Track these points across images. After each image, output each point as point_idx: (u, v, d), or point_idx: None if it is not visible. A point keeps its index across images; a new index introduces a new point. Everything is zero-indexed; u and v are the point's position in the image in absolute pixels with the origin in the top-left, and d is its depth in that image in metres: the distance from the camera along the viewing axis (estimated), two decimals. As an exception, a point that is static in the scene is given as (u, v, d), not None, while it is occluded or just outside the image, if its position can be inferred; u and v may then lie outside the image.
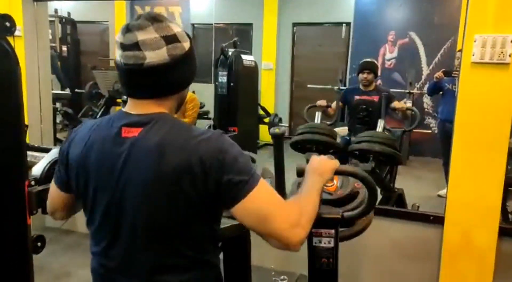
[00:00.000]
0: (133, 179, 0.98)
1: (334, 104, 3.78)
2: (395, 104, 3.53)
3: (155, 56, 0.98)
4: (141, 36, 0.98)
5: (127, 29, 1.00)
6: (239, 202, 0.96)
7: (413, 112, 3.79)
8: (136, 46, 0.98)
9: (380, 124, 3.27)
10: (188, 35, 1.06)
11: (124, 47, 1.00)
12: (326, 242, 1.40)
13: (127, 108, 1.06)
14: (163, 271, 1.02)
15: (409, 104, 5.18)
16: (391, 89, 4.07)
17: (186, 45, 1.04)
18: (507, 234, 2.27)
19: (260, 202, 0.97)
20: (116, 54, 1.03)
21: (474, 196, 2.21)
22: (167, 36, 1.00)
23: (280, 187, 1.48)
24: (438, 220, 2.40)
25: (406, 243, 2.57)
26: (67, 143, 1.10)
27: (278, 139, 1.45)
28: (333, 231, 1.39)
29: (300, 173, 1.27)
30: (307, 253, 1.44)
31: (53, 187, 1.18)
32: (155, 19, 1.01)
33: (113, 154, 1.00)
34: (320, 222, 1.33)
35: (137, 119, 1.02)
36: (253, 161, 1.60)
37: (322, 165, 1.22)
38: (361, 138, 2.81)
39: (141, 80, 1.01)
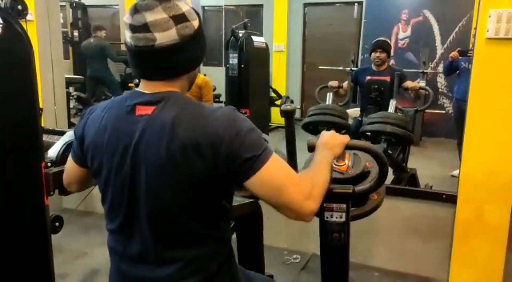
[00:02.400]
0: (146, 156, 1.00)
1: (345, 84, 3.75)
2: (408, 83, 3.47)
3: (165, 37, 0.98)
4: (149, 17, 0.98)
5: (135, 10, 0.99)
6: (253, 176, 0.97)
7: (426, 92, 3.74)
8: (145, 27, 0.98)
9: (392, 104, 3.23)
10: (196, 12, 1.06)
11: (133, 28, 0.99)
12: (337, 217, 1.41)
13: (140, 88, 1.07)
14: (174, 246, 1.04)
15: (422, 84, 5.11)
16: (405, 69, 4.00)
17: (195, 23, 1.03)
18: (521, 212, 2.26)
19: (273, 174, 0.99)
20: (126, 36, 1.03)
21: (487, 174, 2.19)
22: (176, 16, 0.99)
23: (292, 163, 1.49)
24: (450, 199, 2.40)
25: (419, 221, 2.58)
26: (82, 121, 1.12)
27: (289, 116, 1.45)
28: (344, 206, 1.40)
29: (311, 148, 1.28)
30: (319, 228, 1.46)
31: (69, 161, 1.22)
32: None
33: (127, 132, 1.02)
34: (331, 197, 1.36)
35: (150, 98, 1.03)
36: (265, 141, 1.61)
37: (332, 139, 1.24)
38: (373, 119, 2.79)
39: (152, 61, 1.01)
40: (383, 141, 2.73)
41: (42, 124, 2.07)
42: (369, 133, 2.83)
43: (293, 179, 1.01)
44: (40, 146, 1.79)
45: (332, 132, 1.28)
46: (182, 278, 1.04)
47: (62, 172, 1.66)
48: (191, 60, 1.06)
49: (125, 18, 1.02)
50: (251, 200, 1.68)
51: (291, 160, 1.52)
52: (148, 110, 1.01)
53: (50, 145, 2.01)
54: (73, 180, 1.25)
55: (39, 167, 1.76)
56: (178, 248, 1.04)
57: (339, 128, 2.86)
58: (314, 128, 2.96)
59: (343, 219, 1.41)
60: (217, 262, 1.07)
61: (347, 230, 1.44)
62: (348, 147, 1.29)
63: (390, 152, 2.82)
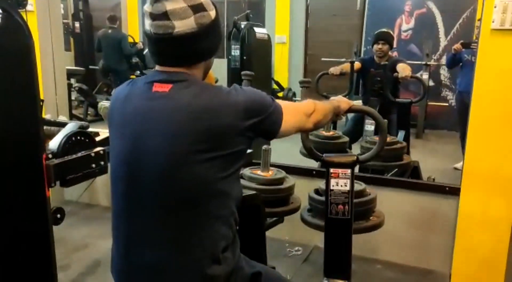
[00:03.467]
0: (160, 133, 1.03)
1: (346, 67, 3.68)
2: (400, 70, 3.25)
3: (184, 25, 1.02)
4: (169, 5, 1.02)
5: None
6: (279, 130, 1.15)
7: (420, 82, 3.66)
8: (165, 15, 1.02)
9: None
10: (213, 3, 1.10)
11: (153, 16, 1.03)
12: (342, 184, 1.54)
13: (158, 68, 1.12)
14: (183, 228, 1.05)
15: (425, 76, 5.08)
16: (408, 62, 3.96)
17: (212, 13, 1.08)
18: (524, 205, 2.24)
19: (290, 119, 1.18)
20: (145, 24, 1.07)
21: (491, 166, 2.17)
22: (194, 5, 1.04)
23: None
24: (453, 191, 2.39)
25: (421, 214, 2.57)
26: (112, 101, 1.18)
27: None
28: (349, 171, 1.55)
29: None
30: (325, 200, 1.59)
31: None
32: None
33: (144, 107, 1.06)
34: (337, 164, 1.55)
35: (168, 76, 1.07)
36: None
37: (340, 97, 1.53)
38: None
39: (171, 49, 1.06)
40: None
41: (43, 116, 2.06)
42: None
43: (302, 112, 1.25)
44: (41, 138, 1.78)
45: (340, 97, 1.54)
46: (185, 261, 1.05)
47: (63, 163, 1.66)
48: (208, 49, 1.11)
49: (145, 6, 1.06)
50: (253, 192, 1.69)
51: None
52: (165, 87, 1.05)
53: (51, 136, 2.00)
54: None
55: (40, 158, 1.75)
56: (183, 230, 1.05)
57: None
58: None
59: (348, 187, 1.53)
60: (221, 247, 1.08)
61: (351, 202, 1.55)
62: (351, 110, 1.53)
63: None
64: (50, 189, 1.78)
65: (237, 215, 1.15)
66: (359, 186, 1.93)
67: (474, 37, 4.01)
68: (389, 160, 2.75)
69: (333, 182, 1.54)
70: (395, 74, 3.29)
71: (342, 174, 1.54)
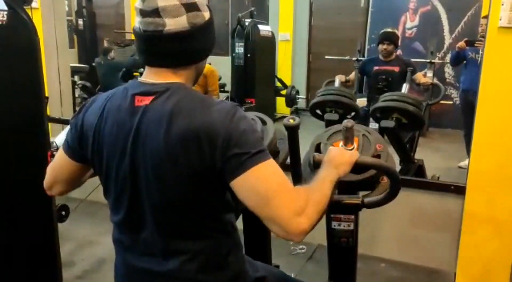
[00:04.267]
0: (144, 148, 0.98)
1: (352, 76, 3.71)
2: (419, 77, 3.43)
3: (175, 23, 0.97)
4: (161, 2, 0.96)
5: None
6: (239, 176, 0.90)
7: (438, 87, 3.68)
8: (156, 12, 0.96)
9: (405, 88, 3.17)
10: (208, 6, 1.04)
11: (143, 13, 0.98)
12: (345, 226, 1.37)
13: (143, 78, 1.05)
14: (179, 239, 1.03)
15: (430, 74, 5.06)
16: (412, 59, 3.95)
17: (206, 15, 1.02)
18: (530, 204, 2.23)
19: (263, 179, 0.91)
20: (135, 21, 1.01)
21: (497, 165, 2.16)
22: (188, 4, 0.98)
23: (296, 176, 1.44)
24: (459, 190, 2.38)
25: (426, 213, 2.56)
26: (82, 112, 1.09)
27: (292, 130, 1.37)
28: (352, 217, 1.36)
29: (318, 164, 1.16)
30: (326, 232, 1.42)
31: (60, 156, 1.15)
32: None
33: (126, 123, 1.00)
34: (339, 208, 1.32)
35: (150, 88, 1.00)
36: (264, 122, 1.55)
37: (340, 156, 1.11)
38: (387, 97, 2.72)
39: (160, 47, 0.99)
40: (393, 120, 2.64)
41: (48, 113, 2.06)
42: (379, 114, 2.73)
43: (285, 191, 0.91)
44: (46, 134, 1.79)
45: (340, 148, 1.22)
46: (188, 271, 1.03)
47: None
48: (199, 51, 1.04)
49: (136, 3, 1.00)
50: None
51: (295, 172, 1.46)
52: (146, 100, 0.99)
53: (55, 133, 2.01)
54: (59, 178, 1.17)
55: (45, 155, 1.75)
56: (183, 240, 1.03)
57: (347, 109, 2.79)
58: (321, 110, 2.87)
59: (352, 227, 1.37)
60: (223, 254, 1.06)
61: (355, 235, 1.41)
62: (358, 164, 1.15)
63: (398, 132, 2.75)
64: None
65: (234, 220, 1.11)
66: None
67: (479, 35, 3.98)
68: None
69: (334, 223, 1.37)
70: (414, 77, 3.37)
71: (344, 218, 1.36)
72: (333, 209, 1.09)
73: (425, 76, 3.57)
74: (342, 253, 1.48)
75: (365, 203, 1.31)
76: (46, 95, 1.96)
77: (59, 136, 1.91)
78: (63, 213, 1.98)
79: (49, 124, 2.04)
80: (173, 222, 1.02)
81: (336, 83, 3.42)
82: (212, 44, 1.07)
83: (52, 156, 1.79)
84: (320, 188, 1.00)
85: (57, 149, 1.86)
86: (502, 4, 2.01)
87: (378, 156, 1.40)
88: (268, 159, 0.93)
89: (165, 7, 0.96)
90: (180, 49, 1.00)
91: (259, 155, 0.92)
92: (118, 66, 5.90)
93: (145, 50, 1.02)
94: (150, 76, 1.03)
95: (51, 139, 1.99)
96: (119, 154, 1.01)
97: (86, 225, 3.05)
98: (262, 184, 0.91)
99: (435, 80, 4.59)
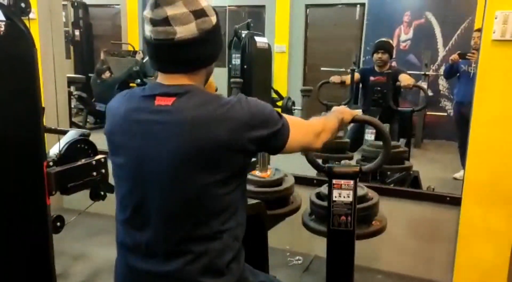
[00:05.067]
0: (162, 148, 1.00)
1: (347, 79, 3.72)
2: (402, 79, 3.40)
3: (185, 30, 1.00)
4: (170, 11, 0.99)
5: (156, 4, 1.01)
6: (285, 146, 1.11)
7: (421, 90, 3.71)
8: (166, 21, 0.99)
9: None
10: (214, 9, 1.08)
11: (154, 22, 1.01)
12: (345, 195, 1.52)
13: (160, 80, 1.08)
14: (184, 240, 1.04)
15: (424, 86, 5.10)
16: (407, 72, 3.99)
17: (214, 19, 1.06)
18: (526, 215, 2.24)
19: (298, 137, 1.14)
20: (145, 30, 1.04)
21: (493, 176, 2.18)
22: (196, 11, 1.02)
23: None
24: (454, 201, 2.38)
25: (422, 224, 2.56)
26: (110, 117, 1.13)
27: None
28: (352, 182, 1.52)
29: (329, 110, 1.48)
30: (326, 212, 1.57)
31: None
32: None
33: (145, 122, 1.03)
34: (340, 175, 1.53)
35: (170, 89, 1.04)
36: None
37: (343, 108, 1.47)
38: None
39: (172, 55, 1.03)
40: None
41: (44, 123, 2.05)
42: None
43: (311, 131, 1.23)
44: (42, 145, 1.77)
45: (345, 107, 1.50)
46: (190, 272, 1.03)
47: (64, 171, 1.65)
48: (209, 55, 1.09)
49: (145, 12, 1.03)
50: (256, 201, 1.68)
51: None
52: (168, 101, 1.02)
53: (51, 144, 2.00)
54: None
55: (41, 166, 1.74)
56: (188, 242, 1.04)
57: None
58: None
59: (351, 198, 1.51)
60: (226, 258, 1.07)
61: (353, 213, 1.52)
62: (355, 120, 1.48)
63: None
64: (50, 196, 1.77)
65: (245, 225, 1.14)
66: (361, 190, 1.86)
67: (472, 48, 4.04)
68: (391, 163, 2.77)
69: (335, 193, 1.53)
70: (397, 83, 3.34)
71: (345, 185, 1.52)
72: (335, 175, 1.39)
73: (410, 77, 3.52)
74: (341, 240, 1.58)
75: (363, 170, 1.56)
76: (43, 105, 1.96)
77: (54, 147, 1.90)
78: (58, 223, 1.95)
79: (45, 134, 2.03)
80: (181, 222, 1.04)
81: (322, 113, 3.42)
82: (220, 46, 1.12)
83: (48, 166, 1.78)
84: (331, 120, 1.35)
85: (53, 159, 1.86)
86: (496, 18, 2.04)
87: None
88: (286, 122, 1.11)
89: (175, 15, 0.99)
90: (191, 55, 1.04)
91: (285, 123, 1.10)
92: (112, 84, 5.90)
93: (157, 57, 1.06)
94: (166, 80, 1.07)
95: (47, 149, 1.98)
96: (135, 151, 1.04)
97: (82, 237, 3.03)
98: (299, 140, 1.17)
99: (418, 83, 4.60)
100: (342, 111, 1.43)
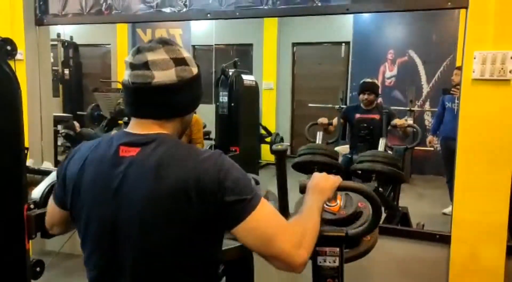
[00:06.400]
0: (129, 199, 0.97)
1: (335, 121, 3.76)
2: (396, 121, 3.51)
3: (164, 76, 0.99)
4: (151, 56, 0.99)
5: (138, 51, 1.02)
6: (241, 223, 0.95)
7: (414, 129, 3.77)
8: (145, 65, 0.99)
9: (382, 143, 3.25)
10: (197, 63, 1.07)
11: (133, 66, 1.01)
12: (331, 261, 1.38)
13: (128, 128, 1.05)
14: None
15: (410, 121, 5.18)
16: (392, 107, 4.06)
17: (194, 70, 1.05)
18: (515, 252, 2.22)
19: (262, 222, 0.96)
20: (124, 74, 1.03)
21: (480, 213, 2.17)
22: (177, 58, 1.01)
23: (283, 206, 1.46)
24: (444, 239, 2.36)
25: (412, 262, 2.52)
26: (66, 161, 1.10)
27: (280, 156, 1.41)
28: (337, 250, 1.37)
29: (303, 190, 1.25)
30: (312, 273, 1.41)
31: (51, 203, 1.19)
32: (166, 43, 1.03)
33: (109, 174, 0.99)
34: (324, 240, 1.32)
35: (136, 138, 1.01)
36: (257, 182, 1.59)
37: (323, 181, 1.20)
38: (363, 158, 2.80)
39: (147, 99, 1.01)
40: (374, 179, 2.72)
41: (28, 163, 2.02)
42: (360, 172, 2.83)
43: (283, 227, 0.98)
44: (23, 187, 1.74)
45: (324, 174, 1.25)
46: None
47: (45, 213, 1.60)
48: (186, 104, 1.06)
49: (127, 58, 1.03)
50: (240, 244, 1.63)
51: (283, 201, 1.48)
52: (132, 152, 0.99)
53: (34, 184, 1.96)
54: (55, 222, 1.21)
55: (21, 209, 1.70)
56: None
57: (329, 168, 2.85)
58: (304, 168, 2.95)
59: (337, 263, 1.38)
60: None
61: (341, 274, 1.40)
62: (340, 188, 1.27)
63: (381, 189, 2.81)
64: (30, 240, 1.72)
65: (221, 271, 1.10)
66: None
67: (452, 84, 4.18)
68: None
69: (320, 259, 1.38)
70: (392, 122, 3.42)
71: (330, 252, 1.38)
72: (318, 242, 1.11)
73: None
74: None
75: (349, 234, 1.34)
76: (26, 146, 1.94)
77: (37, 189, 1.86)
78: (38, 269, 1.89)
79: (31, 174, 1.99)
80: (153, 275, 0.99)
81: (318, 140, 3.45)
82: (198, 98, 1.09)
83: (29, 209, 1.74)
84: (310, 216, 1.08)
85: (34, 201, 1.81)
86: (474, 58, 2.10)
87: (360, 213, 1.44)
88: (261, 201, 0.97)
89: (155, 60, 0.99)
90: (167, 101, 1.01)
91: (255, 199, 0.96)
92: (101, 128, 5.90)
93: (132, 102, 1.04)
94: (135, 127, 1.04)
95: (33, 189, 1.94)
96: (100, 205, 1.00)
97: (63, 280, 2.92)
98: (262, 227, 0.96)
99: (411, 123, 4.72)
100: (322, 189, 1.17)
